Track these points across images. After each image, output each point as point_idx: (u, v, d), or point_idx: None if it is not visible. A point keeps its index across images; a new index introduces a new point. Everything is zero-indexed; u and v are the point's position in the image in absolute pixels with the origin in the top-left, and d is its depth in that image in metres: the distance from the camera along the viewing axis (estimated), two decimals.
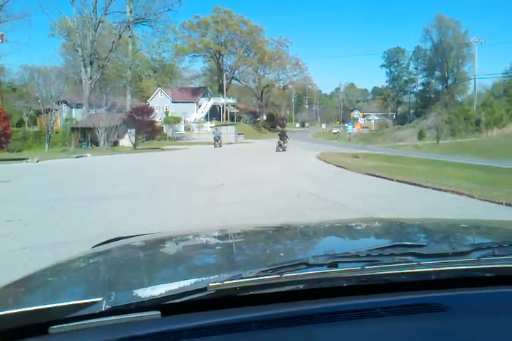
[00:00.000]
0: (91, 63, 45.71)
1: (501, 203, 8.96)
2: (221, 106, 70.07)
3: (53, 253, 5.48)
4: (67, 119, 48.55)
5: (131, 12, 47.69)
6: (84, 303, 1.05)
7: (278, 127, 37.21)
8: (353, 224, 2.43)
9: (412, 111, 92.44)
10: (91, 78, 45.33)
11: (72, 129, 40.68)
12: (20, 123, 54.13)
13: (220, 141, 39.18)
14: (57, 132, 42.00)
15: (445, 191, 10.71)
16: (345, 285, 1.12)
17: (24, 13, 42.55)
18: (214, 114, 71.44)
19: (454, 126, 50.93)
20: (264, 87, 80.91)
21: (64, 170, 18.66)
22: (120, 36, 48.19)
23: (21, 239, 6.48)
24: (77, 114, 48.97)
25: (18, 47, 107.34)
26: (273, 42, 78.93)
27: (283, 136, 31.48)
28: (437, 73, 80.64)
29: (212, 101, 72.28)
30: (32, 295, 1.38)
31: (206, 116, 69.33)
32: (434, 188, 11.16)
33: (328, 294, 1.11)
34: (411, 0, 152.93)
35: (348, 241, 1.98)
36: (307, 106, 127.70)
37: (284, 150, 29.95)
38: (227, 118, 67.40)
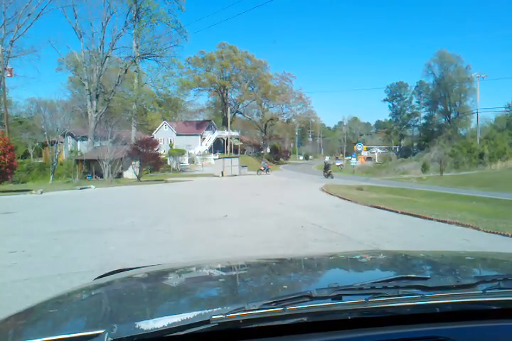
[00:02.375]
0: (97, 97, 46.38)
1: (507, 235, 8.90)
2: (225, 139, 70.60)
3: (56, 284, 5.44)
4: (71, 151, 48.93)
5: (137, 47, 48.67)
6: (86, 336, 1.04)
7: (325, 160, 42.53)
8: (357, 257, 2.41)
9: (415, 144, 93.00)
10: (97, 111, 45.88)
11: (77, 161, 40.92)
12: (25, 155, 54.58)
13: (265, 170, 46.77)
14: (61, 164, 42.23)
15: (450, 223, 10.65)
16: (349, 317, 1.11)
17: (33, 48, 43.52)
18: (218, 146, 71.93)
19: (457, 159, 51.05)
20: (267, 121, 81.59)
21: (68, 201, 18.67)
22: (126, 70, 49.03)
23: (24, 270, 6.44)
24: (82, 146, 49.37)
25: (26, 81, 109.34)
26: (277, 77, 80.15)
27: (327, 167, 39.69)
28: (440, 107, 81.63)
29: (217, 134, 72.88)
30: (33, 327, 1.37)
31: (210, 149, 69.77)
32: (438, 220, 11.10)
33: (332, 327, 1.10)
34: (413, 35, 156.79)
35: (352, 274, 1.96)
36: (311, 139, 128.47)
37: (332, 178, 36.81)
38: (231, 151, 67.80)
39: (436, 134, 75.28)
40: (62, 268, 6.50)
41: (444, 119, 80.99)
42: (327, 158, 44.42)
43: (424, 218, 11.67)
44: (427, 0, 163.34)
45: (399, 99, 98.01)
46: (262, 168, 47.51)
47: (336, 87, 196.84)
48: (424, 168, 50.26)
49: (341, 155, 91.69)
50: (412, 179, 42.04)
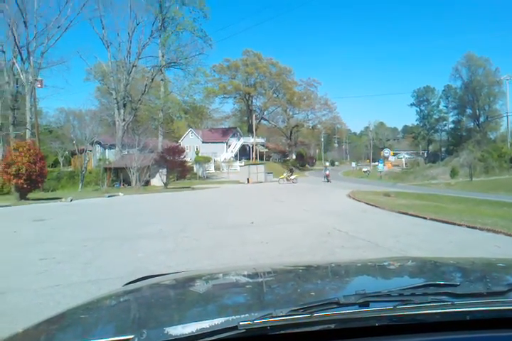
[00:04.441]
0: (124, 106, 47.12)
1: None
2: (250, 146, 70.77)
3: (85, 291, 5.51)
4: (100, 159, 49.72)
5: (163, 56, 49.35)
6: None
7: (291, 165, 43.02)
8: (385, 263, 2.39)
9: (443, 149, 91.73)
10: (124, 120, 46.59)
11: (105, 169, 41.52)
12: (55, 164, 55.78)
13: (328, 178, 42.23)
14: (90, 172, 42.93)
15: (480, 229, 10.41)
16: (377, 324, 1.10)
17: (62, 59, 44.52)
18: (243, 153, 72.14)
19: (487, 164, 50.12)
20: (293, 127, 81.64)
21: (97, 209, 18.95)
22: (152, 79, 49.76)
23: (54, 277, 6.54)
24: (110, 155, 50.14)
25: (56, 91, 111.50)
26: (302, 84, 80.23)
27: (291, 171, 42.12)
28: (468, 111, 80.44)
29: (242, 141, 73.13)
30: (64, 332, 1.39)
31: (236, 156, 70.03)
32: (468, 227, 10.87)
33: (360, 334, 1.09)
34: (440, 39, 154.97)
35: (380, 281, 1.94)
36: (336, 145, 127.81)
37: (294, 183, 38.39)
38: (256, 158, 67.88)
39: (465, 139, 74.15)
40: (92, 274, 6.58)
41: (472, 123, 79.75)
42: (290, 166, 45.91)
43: (454, 224, 11.44)
44: (454, 3, 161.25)
45: (426, 103, 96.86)
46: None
47: (361, 92, 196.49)
48: (453, 173, 49.49)
49: (368, 160, 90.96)
50: (440, 184, 41.45)
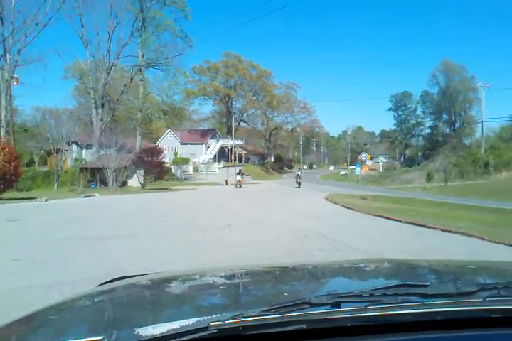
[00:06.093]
0: (102, 105, 46.64)
1: None
2: (229, 148, 70.74)
3: (58, 292, 5.43)
4: (76, 159, 49.08)
5: (143, 56, 49.01)
6: None
7: (237, 171, 40.14)
8: (360, 265, 2.41)
9: (419, 154, 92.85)
10: (102, 120, 46.12)
11: (82, 169, 40.99)
12: (30, 163, 54.82)
13: (299, 181, 38.34)
14: (66, 172, 42.29)
15: (454, 233, 10.57)
16: (348, 325, 1.10)
17: (40, 57, 43.80)
18: (222, 155, 72.05)
19: (462, 169, 50.87)
20: (272, 130, 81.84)
21: (72, 209, 18.69)
22: (132, 79, 49.38)
23: (27, 278, 6.43)
24: (87, 155, 49.56)
25: (32, 89, 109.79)
26: (281, 87, 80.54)
27: (240, 173, 39.87)
28: (445, 117, 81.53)
29: (221, 142, 73.05)
30: (34, 333, 1.37)
31: (214, 157, 69.88)
32: (443, 230, 11.03)
33: (332, 334, 1.10)
34: (418, 45, 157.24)
35: (353, 281, 1.96)
36: (315, 148, 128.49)
37: (240, 187, 37.02)
38: (235, 160, 67.84)
39: (441, 144, 75.12)
40: (66, 275, 6.49)
41: (448, 129, 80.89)
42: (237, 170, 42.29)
43: (429, 227, 11.60)
44: (433, 9, 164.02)
45: (404, 108, 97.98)
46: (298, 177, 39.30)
47: (340, 97, 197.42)
48: (429, 177, 50.12)
49: (345, 164, 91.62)
50: (416, 188, 41.96)
